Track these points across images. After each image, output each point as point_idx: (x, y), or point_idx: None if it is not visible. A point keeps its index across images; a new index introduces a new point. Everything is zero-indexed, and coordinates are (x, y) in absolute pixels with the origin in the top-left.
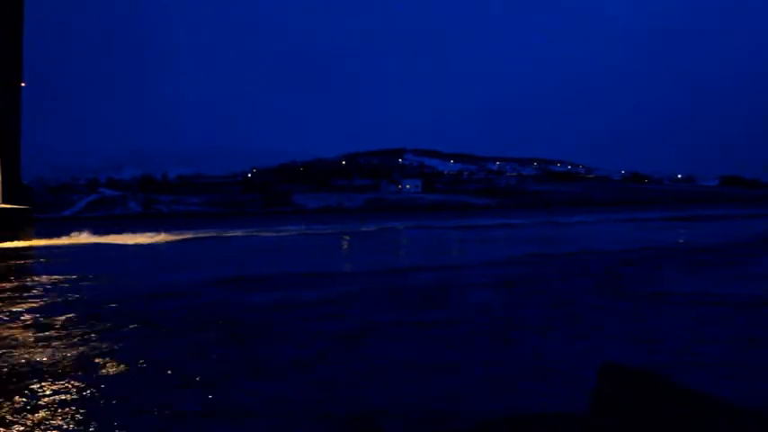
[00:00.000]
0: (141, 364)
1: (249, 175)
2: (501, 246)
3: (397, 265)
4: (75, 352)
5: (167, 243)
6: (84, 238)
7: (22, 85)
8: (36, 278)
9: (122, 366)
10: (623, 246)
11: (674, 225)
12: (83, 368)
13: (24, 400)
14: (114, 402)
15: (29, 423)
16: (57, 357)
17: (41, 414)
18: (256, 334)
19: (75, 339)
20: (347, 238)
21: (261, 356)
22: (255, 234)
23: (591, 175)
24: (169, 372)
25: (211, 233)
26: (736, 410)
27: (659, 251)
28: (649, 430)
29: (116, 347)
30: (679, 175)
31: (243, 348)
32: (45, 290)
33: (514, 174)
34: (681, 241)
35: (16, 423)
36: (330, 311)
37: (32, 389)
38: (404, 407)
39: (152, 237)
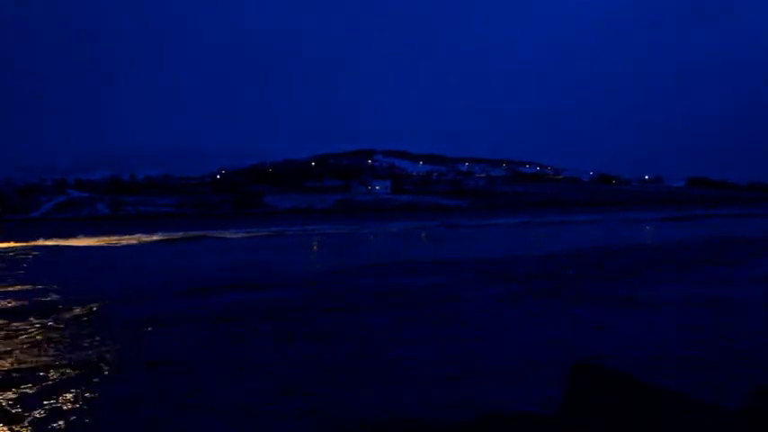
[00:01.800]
0: None
1: (219, 176)
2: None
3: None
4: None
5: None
6: (41, 241)
7: None
8: None
9: None
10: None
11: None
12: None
13: None
14: None
15: None
16: None
17: None
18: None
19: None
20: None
21: None
22: (245, 236)
23: (560, 177)
24: None
25: (183, 234)
26: (703, 406)
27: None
28: (620, 428)
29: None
30: (647, 176)
31: None
32: None
33: (484, 175)
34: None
35: None
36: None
37: None
38: None
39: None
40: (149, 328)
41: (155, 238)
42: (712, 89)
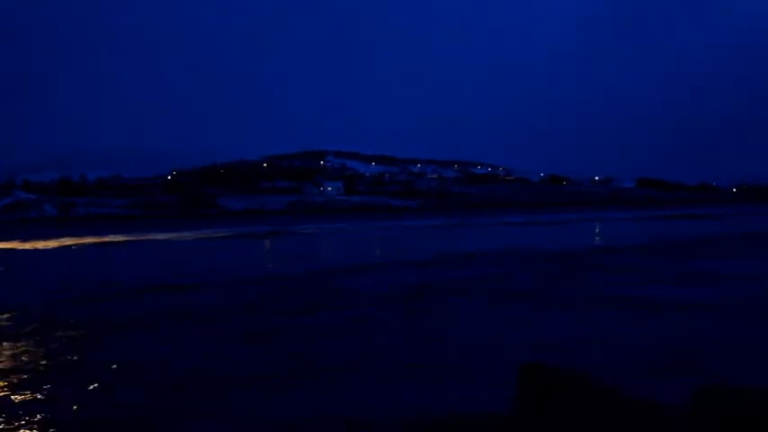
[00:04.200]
0: None
1: (170, 178)
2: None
3: None
4: None
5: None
6: None
7: None
8: None
9: None
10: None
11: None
12: None
13: None
14: None
15: None
16: None
17: None
18: None
19: None
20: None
21: None
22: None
23: (511, 177)
24: None
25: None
26: (651, 406)
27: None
28: (571, 428)
29: None
30: (597, 177)
31: None
32: None
33: (435, 176)
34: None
35: None
36: None
37: None
38: None
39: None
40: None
41: (87, 240)
42: (663, 92)
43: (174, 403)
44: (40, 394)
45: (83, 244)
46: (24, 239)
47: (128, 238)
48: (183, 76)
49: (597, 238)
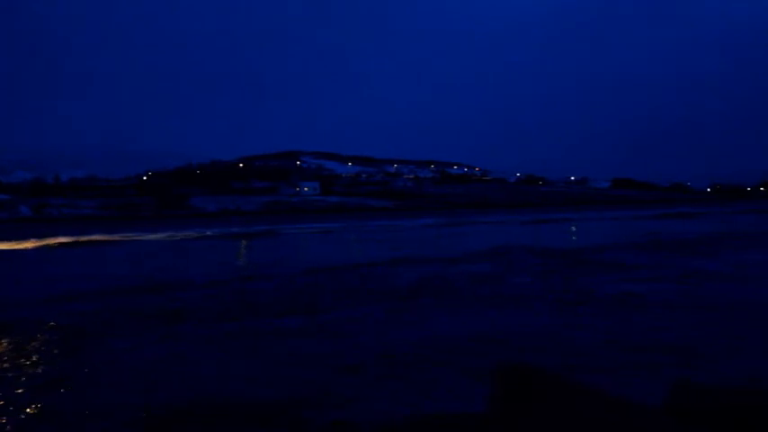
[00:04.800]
0: None
1: (145, 178)
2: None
3: None
4: None
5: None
6: None
7: None
8: None
9: None
10: None
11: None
12: None
13: None
14: None
15: None
16: None
17: None
18: None
19: None
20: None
21: None
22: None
23: (487, 178)
24: None
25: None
26: (630, 406)
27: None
28: (546, 427)
29: None
30: (572, 177)
31: None
32: None
33: (412, 176)
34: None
35: None
36: None
37: None
38: None
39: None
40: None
41: (59, 240)
42: (638, 94)
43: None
44: None
45: (53, 245)
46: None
47: (103, 239)
48: (159, 77)
49: (574, 237)
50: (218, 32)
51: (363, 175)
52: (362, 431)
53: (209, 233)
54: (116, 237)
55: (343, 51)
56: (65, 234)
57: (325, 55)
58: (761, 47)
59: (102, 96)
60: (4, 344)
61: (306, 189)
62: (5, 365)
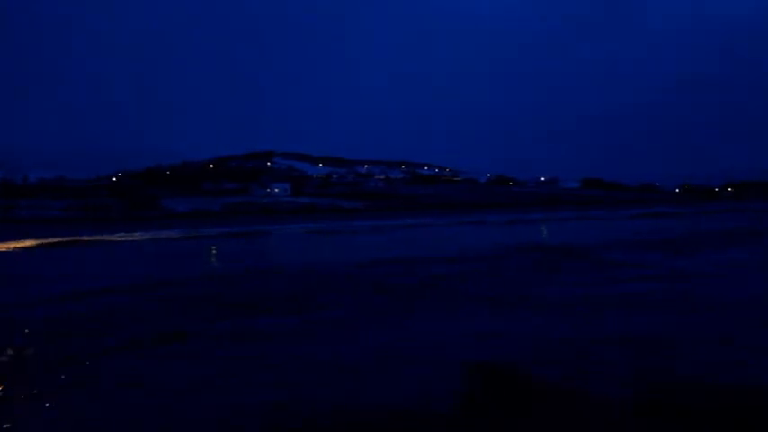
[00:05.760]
0: None
1: (115, 179)
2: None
3: None
4: None
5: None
6: None
7: None
8: None
9: None
10: None
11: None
12: None
13: None
14: None
15: None
16: None
17: None
18: None
19: None
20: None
21: None
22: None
23: (458, 178)
24: None
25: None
26: (599, 403)
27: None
28: (513, 424)
29: None
30: (542, 178)
31: None
32: None
33: (383, 177)
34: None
35: None
36: None
37: None
38: None
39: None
40: None
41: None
42: (606, 94)
43: None
44: None
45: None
46: None
47: (67, 240)
48: (129, 77)
49: (546, 235)
50: (187, 33)
51: (334, 176)
52: (332, 428)
53: (175, 235)
54: (84, 238)
55: (313, 51)
56: (33, 237)
57: (296, 55)
58: (725, 49)
59: (71, 95)
60: None
61: (276, 190)
62: None
